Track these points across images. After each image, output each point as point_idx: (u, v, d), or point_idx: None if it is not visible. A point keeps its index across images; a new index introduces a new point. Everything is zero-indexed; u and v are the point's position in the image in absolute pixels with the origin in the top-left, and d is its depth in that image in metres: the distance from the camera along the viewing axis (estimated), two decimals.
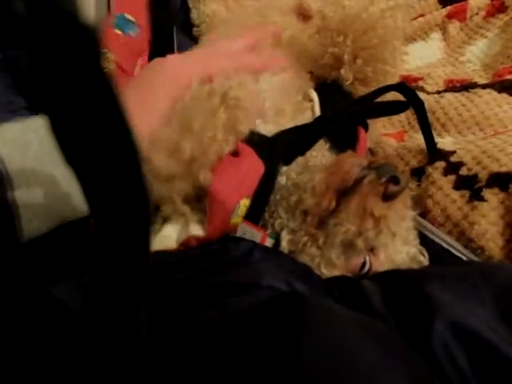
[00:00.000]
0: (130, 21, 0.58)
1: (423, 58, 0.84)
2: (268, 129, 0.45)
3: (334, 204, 0.38)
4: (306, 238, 0.40)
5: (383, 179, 0.37)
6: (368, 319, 0.27)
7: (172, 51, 0.60)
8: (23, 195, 0.32)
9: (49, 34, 0.16)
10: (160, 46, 0.60)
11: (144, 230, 0.20)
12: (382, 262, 0.39)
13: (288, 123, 0.46)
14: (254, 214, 0.42)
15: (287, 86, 0.49)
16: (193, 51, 0.53)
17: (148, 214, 0.20)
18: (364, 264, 0.39)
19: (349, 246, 0.39)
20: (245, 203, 0.41)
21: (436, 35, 0.84)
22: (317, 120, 0.48)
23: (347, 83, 0.53)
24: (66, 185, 0.34)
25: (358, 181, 0.38)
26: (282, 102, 0.47)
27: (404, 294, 0.31)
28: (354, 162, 0.38)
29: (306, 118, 0.48)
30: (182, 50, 0.62)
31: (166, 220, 0.42)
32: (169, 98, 0.43)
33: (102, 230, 0.20)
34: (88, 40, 0.16)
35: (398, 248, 0.40)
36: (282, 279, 0.33)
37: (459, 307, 0.27)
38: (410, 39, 0.86)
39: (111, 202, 0.19)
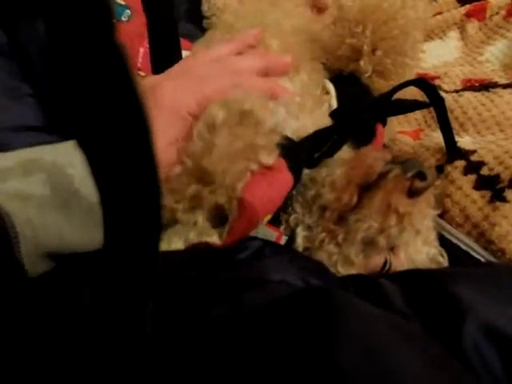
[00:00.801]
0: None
1: (440, 56, 0.82)
2: (293, 126, 0.43)
3: (355, 199, 0.37)
4: (323, 235, 0.38)
5: (409, 174, 0.36)
6: (399, 319, 0.25)
7: (177, 40, 0.57)
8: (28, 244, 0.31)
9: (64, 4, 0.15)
10: (161, 33, 0.56)
11: (154, 225, 0.19)
12: (401, 262, 0.38)
13: (307, 118, 0.44)
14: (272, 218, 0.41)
15: (306, 84, 0.47)
16: (186, 66, 0.48)
17: (159, 208, 0.19)
18: (385, 264, 0.37)
19: (369, 244, 0.37)
20: (268, 218, 0.40)
21: (454, 34, 0.83)
22: (340, 121, 0.46)
23: (366, 75, 0.52)
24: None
25: (382, 176, 0.36)
26: (303, 97, 0.46)
27: (428, 294, 0.30)
28: (377, 156, 0.37)
29: (323, 111, 0.47)
30: (191, 39, 0.60)
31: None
32: (168, 136, 0.40)
33: (111, 225, 0.19)
34: (102, 10, 0.16)
35: (419, 248, 0.38)
36: (296, 275, 0.32)
37: (490, 309, 0.26)
38: (427, 37, 0.84)
39: (122, 193, 0.18)
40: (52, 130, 0.46)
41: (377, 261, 0.38)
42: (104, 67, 0.16)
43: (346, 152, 0.44)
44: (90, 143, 0.17)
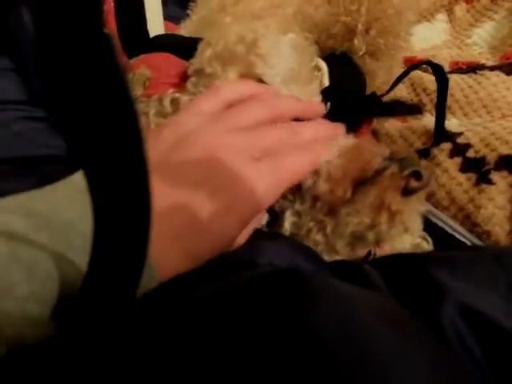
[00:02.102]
0: None
1: (428, 39, 0.82)
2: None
3: (349, 193, 0.36)
4: (311, 224, 0.38)
5: (406, 173, 0.35)
6: (379, 297, 0.25)
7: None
8: None
9: None
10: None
11: (144, 219, 0.19)
12: (385, 252, 0.38)
13: (298, 91, 0.43)
14: None
15: (300, 48, 0.46)
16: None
17: (148, 190, 0.18)
18: (369, 254, 0.37)
19: (358, 238, 0.37)
20: None
21: (442, 16, 0.82)
22: (332, 101, 0.45)
23: (359, 54, 0.51)
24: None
25: (379, 172, 0.35)
26: (298, 64, 0.44)
27: (408, 278, 0.29)
28: (376, 152, 0.36)
29: (313, 88, 0.46)
30: (177, 22, 0.59)
31: None
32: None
33: (100, 210, 0.18)
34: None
35: (404, 239, 0.38)
36: (286, 258, 0.31)
37: (470, 292, 0.26)
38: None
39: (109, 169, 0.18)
40: (36, 104, 0.45)
41: (362, 252, 0.37)
42: (91, 56, 0.16)
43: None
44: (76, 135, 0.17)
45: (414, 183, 0.36)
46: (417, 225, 0.40)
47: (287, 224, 0.39)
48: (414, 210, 0.38)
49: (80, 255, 0.25)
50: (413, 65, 0.51)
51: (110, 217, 0.18)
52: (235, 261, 0.29)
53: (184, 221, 0.31)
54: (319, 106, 0.43)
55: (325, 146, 0.38)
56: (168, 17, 0.56)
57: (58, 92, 0.16)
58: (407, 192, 0.36)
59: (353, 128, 0.47)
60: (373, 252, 0.37)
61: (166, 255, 0.28)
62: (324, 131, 0.40)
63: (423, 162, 0.38)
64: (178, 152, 0.33)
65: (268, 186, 0.34)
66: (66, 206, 0.26)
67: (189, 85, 0.42)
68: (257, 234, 0.37)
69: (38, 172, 0.44)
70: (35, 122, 0.45)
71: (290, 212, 0.39)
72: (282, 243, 0.34)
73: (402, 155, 0.37)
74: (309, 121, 0.41)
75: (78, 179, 0.29)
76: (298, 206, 0.39)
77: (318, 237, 0.37)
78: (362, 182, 0.36)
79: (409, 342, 0.19)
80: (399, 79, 0.47)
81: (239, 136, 0.35)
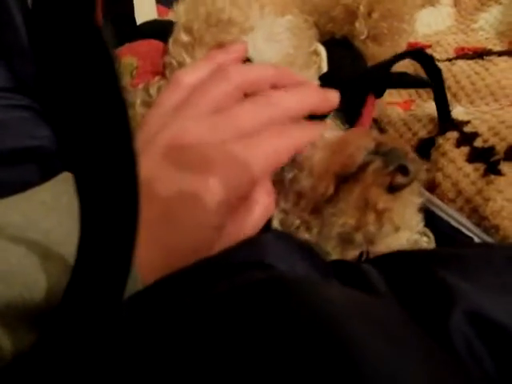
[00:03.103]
0: None
1: (431, 25, 0.79)
2: None
3: (331, 190, 0.33)
4: (298, 222, 0.35)
5: (390, 168, 0.32)
6: (380, 305, 0.23)
7: None
8: None
9: None
10: None
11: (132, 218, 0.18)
12: (380, 250, 0.35)
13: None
14: None
15: (298, 31, 0.44)
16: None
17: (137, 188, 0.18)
18: (361, 254, 0.35)
19: (346, 240, 0.34)
20: None
21: (446, 1, 0.79)
22: (330, 85, 0.42)
23: (361, 38, 0.48)
24: None
25: (362, 167, 0.33)
26: (294, 48, 0.42)
27: (412, 279, 0.27)
28: (359, 145, 0.33)
29: (311, 73, 0.43)
30: (168, 6, 0.56)
31: None
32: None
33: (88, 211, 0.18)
34: None
35: (399, 235, 0.35)
36: (287, 262, 0.29)
37: (482, 296, 0.23)
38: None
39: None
40: (23, 92, 0.43)
41: (354, 254, 0.35)
42: (83, 50, 0.16)
43: (332, 128, 0.41)
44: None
45: (400, 179, 0.33)
46: (414, 219, 0.38)
47: (275, 222, 0.36)
48: (406, 206, 0.35)
49: (56, 265, 0.24)
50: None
51: (98, 211, 0.18)
52: (237, 261, 0.27)
53: (155, 215, 0.29)
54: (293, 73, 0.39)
55: (310, 125, 0.35)
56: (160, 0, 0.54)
57: (50, 82, 0.16)
58: (393, 189, 0.33)
59: (352, 117, 0.45)
60: (365, 253, 0.34)
61: (145, 253, 0.26)
62: (310, 98, 0.37)
63: (412, 155, 0.34)
64: (147, 152, 0.32)
65: (241, 172, 0.31)
66: (42, 216, 0.26)
67: (167, 72, 0.39)
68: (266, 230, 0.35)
69: (22, 165, 0.43)
70: (20, 110, 0.44)
71: (277, 209, 0.36)
72: (286, 244, 0.31)
73: (387, 148, 0.34)
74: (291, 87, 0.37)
75: (56, 184, 0.29)
76: (283, 204, 0.36)
77: (307, 236, 0.35)
78: (345, 179, 0.34)
79: (404, 358, 0.17)
80: (388, 65, 0.45)
81: (204, 122, 0.32)
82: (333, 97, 0.38)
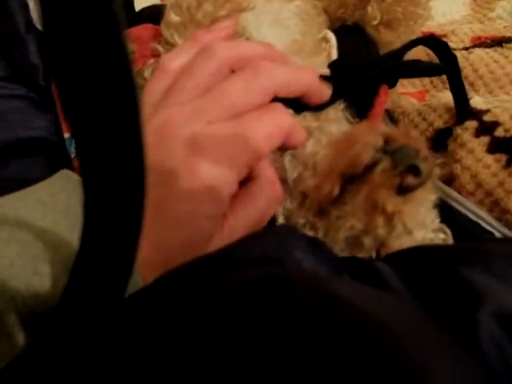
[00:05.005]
0: None
1: (446, 14, 0.76)
2: None
3: (337, 191, 0.31)
4: (303, 221, 0.33)
5: (400, 168, 0.30)
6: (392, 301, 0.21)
7: None
8: None
9: None
10: None
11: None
12: (393, 250, 0.33)
13: (301, 64, 0.38)
14: None
15: (306, 17, 0.41)
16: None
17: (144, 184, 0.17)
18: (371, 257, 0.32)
19: (354, 244, 0.32)
20: None
21: None
22: (340, 72, 0.40)
23: (373, 24, 0.46)
24: None
25: (369, 167, 0.30)
26: (302, 34, 0.40)
27: (433, 278, 0.24)
28: (367, 142, 0.31)
29: (320, 61, 0.41)
30: None
31: None
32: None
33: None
34: None
35: (413, 236, 0.33)
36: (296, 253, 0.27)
37: (508, 295, 0.21)
38: None
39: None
40: (19, 81, 0.42)
41: (364, 256, 0.32)
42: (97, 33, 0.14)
43: (341, 122, 0.39)
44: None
45: (410, 180, 0.30)
46: (428, 217, 0.35)
47: (280, 220, 0.34)
48: (419, 205, 0.33)
49: (51, 267, 0.24)
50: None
51: (102, 204, 0.17)
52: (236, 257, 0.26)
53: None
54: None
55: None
56: None
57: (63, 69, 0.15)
58: (404, 190, 0.31)
59: (363, 108, 0.43)
60: (374, 256, 0.32)
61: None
62: (303, 76, 0.34)
63: (424, 152, 0.31)
64: None
65: (235, 153, 0.29)
66: (39, 216, 0.25)
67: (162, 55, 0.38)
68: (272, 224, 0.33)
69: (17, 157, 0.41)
70: (15, 100, 0.43)
71: (281, 208, 0.34)
72: (296, 240, 0.29)
73: (397, 145, 0.31)
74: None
75: (54, 182, 0.28)
76: (287, 204, 0.34)
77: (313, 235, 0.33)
78: (351, 179, 0.31)
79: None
80: (401, 53, 0.42)
81: (188, 107, 0.30)
82: (325, 88, 0.36)
